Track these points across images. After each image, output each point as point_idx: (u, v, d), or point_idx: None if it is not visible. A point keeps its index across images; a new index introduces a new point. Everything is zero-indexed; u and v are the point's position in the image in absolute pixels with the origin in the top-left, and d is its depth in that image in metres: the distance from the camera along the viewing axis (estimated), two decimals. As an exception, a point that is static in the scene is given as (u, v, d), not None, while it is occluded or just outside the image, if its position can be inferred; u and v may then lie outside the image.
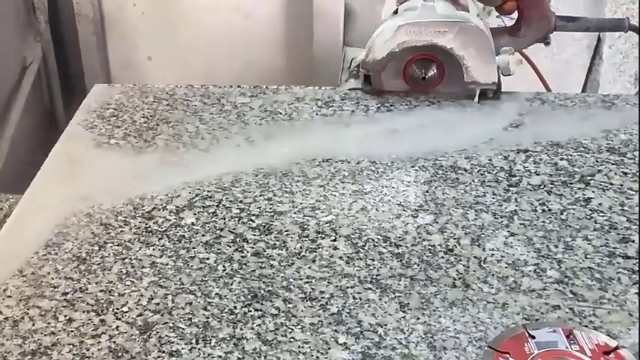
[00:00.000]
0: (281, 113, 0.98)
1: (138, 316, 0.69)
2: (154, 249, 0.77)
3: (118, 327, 0.67)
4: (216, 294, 0.71)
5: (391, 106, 0.98)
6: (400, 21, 0.95)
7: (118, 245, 0.78)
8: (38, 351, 0.65)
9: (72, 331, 0.67)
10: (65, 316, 0.69)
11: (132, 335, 0.67)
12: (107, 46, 2.21)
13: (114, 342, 0.66)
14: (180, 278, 0.73)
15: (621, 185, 0.83)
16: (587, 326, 0.66)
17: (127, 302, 0.70)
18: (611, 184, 0.83)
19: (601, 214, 0.79)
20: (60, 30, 2.19)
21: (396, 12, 1.01)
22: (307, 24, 2.02)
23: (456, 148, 0.90)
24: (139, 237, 0.79)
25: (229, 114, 0.98)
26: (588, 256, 0.74)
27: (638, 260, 0.73)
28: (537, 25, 1.05)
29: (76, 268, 0.74)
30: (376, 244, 0.77)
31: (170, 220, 0.81)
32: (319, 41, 2.02)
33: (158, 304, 0.70)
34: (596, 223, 0.78)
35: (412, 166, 0.88)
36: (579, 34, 1.82)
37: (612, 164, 0.86)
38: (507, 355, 0.63)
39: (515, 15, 1.06)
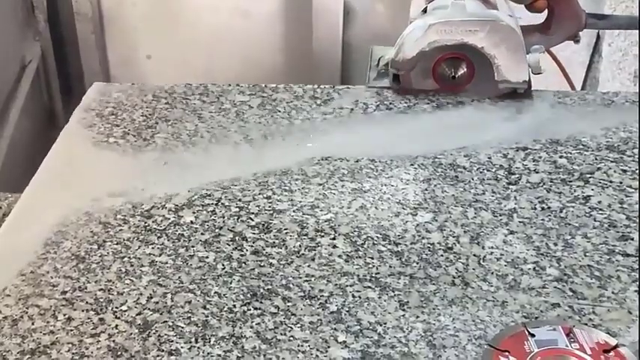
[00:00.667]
0: (280, 111, 0.98)
1: (137, 314, 0.69)
2: (153, 247, 0.77)
3: (117, 326, 0.67)
4: (216, 292, 0.71)
5: (390, 104, 0.98)
6: (431, 20, 0.95)
7: (117, 244, 0.77)
8: (37, 350, 0.65)
9: (71, 330, 0.67)
10: (64, 315, 0.69)
11: (131, 334, 0.67)
12: (106, 45, 2.21)
13: (113, 341, 0.66)
14: (179, 277, 0.73)
15: (620, 183, 0.83)
16: (586, 324, 0.66)
17: (127, 301, 0.70)
18: (611, 181, 0.83)
19: (600, 212, 0.79)
20: (59, 29, 2.19)
21: (425, 10, 1.00)
22: (306, 23, 2.02)
23: (456, 146, 0.90)
24: (138, 236, 0.78)
25: (228, 112, 0.98)
26: (588, 253, 0.74)
27: (637, 258, 0.73)
28: (568, 22, 1.04)
29: (75, 267, 0.74)
30: (375, 242, 0.77)
31: (169, 219, 0.81)
32: (319, 40, 2.02)
33: (157, 302, 0.70)
34: (595, 220, 0.78)
35: (411, 164, 0.87)
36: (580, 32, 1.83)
37: (611, 162, 0.86)
38: (507, 354, 0.63)
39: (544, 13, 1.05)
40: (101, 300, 0.70)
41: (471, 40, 0.94)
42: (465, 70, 0.97)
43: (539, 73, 0.97)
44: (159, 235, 0.79)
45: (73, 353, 0.65)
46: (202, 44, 2.13)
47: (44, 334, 0.67)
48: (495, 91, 0.96)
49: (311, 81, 1.87)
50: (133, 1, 2.13)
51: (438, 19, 0.95)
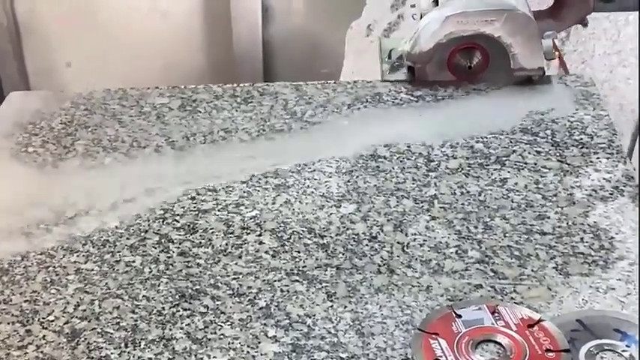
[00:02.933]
0: (201, 112, 0.98)
1: (65, 324, 0.68)
2: (78, 255, 0.76)
3: (44, 336, 0.67)
4: (144, 296, 0.71)
5: (310, 99, 0.99)
6: (447, 11, 0.95)
7: (41, 254, 0.77)
8: (-37, 366, 0.64)
9: (-3, 344, 0.66)
10: (-10, 328, 0.68)
11: (59, 344, 0.66)
12: (24, 54, 2.16)
13: (41, 352, 0.65)
14: (106, 283, 0.73)
15: (535, 164, 0.85)
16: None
17: (53, 311, 0.70)
18: (526, 163, 0.86)
19: (517, 193, 0.81)
20: (-27, 40, 2.13)
21: (436, 1, 1.00)
22: (226, 22, 2.02)
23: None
24: (62, 244, 0.78)
25: (149, 115, 0.97)
26: (507, 234, 0.76)
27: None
28: (577, 7, 1.04)
29: (-1, 280, 0.73)
30: (301, 236, 0.78)
31: (93, 225, 0.80)
32: (239, 39, 2.01)
33: (85, 310, 0.70)
34: (512, 202, 0.80)
35: (332, 157, 0.88)
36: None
37: (526, 144, 0.89)
38: (436, 336, 0.64)
39: None
40: (27, 311, 0.70)
41: (487, 30, 0.95)
42: (480, 59, 0.97)
43: (552, 59, 0.99)
44: (83, 242, 0.78)
45: (0, 367, 0.64)
46: (122, 48, 2.10)
47: (-30, 349, 0.66)
48: (511, 78, 0.97)
49: (233, 81, 1.87)
50: (50, 9, 2.09)
51: (455, 11, 0.95)
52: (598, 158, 0.85)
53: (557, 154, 0.86)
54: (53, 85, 2.18)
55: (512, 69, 0.97)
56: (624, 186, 0.81)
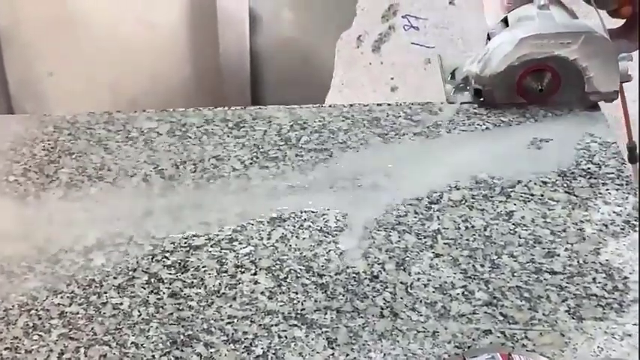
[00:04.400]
0: (191, 137, 0.93)
1: (48, 375, 0.64)
2: (62, 297, 0.72)
3: (26, 389, 0.63)
4: (133, 343, 0.67)
5: (305, 123, 0.95)
6: (520, 33, 0.91)
7: (22, 295, 0.72)
8: None
9: (-25, 399, 0.62)
10: (-33, 381, 0.63)
11: (42, 398, 0.62)
12: (4, 65, 2.11)
13: (23, 407, 0.61)
14: (92, 328, 0.69)
15: (542, 196, 0.82)
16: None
17: (36, 359, 0.65)
18: (532, 195, 0.82)
19: (524, 228, 0.78)
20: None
21: (505, 21, 0.96)
22: (212, 32, 1.98)
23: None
24: (45, 284, 0.73)
25: (136, 141, 0.93)
26: (515, 274, 0.73)
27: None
28: None
29: (-22, 326, 0.69)
30: (299, 275, 0.74)
31: (78, 263, 0.76)
32: (226, 50, 1.97)
33: (69, 359, 0.65)
34: (520, 238, 0.77)
35: (330, 187, 0.85)
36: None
37: (531, 174, 0.85)
38: (444, 387, 0.61)
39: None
40: (8, 361, 0.65)
41: (563, 53, 0.91)
42: (551, 81, 0.93)
43: (627, 81, 0.95)
44: (68, 282, 0.74)
45: None
46: (107, 59, 2.06)
47: (-54, 405, 0.61)
48: (584, 102, 0.93)
49: (220, 92, 1.82)
50: (31, 18, 2.05)
51: (528, 33, 0.90)
52: (607, 190, 0.81)
53: (565, 185, 0.82)
54: (34, 95, 2.14)
55: (586, 92, 0.93)
56: (636, 220, 0.77)
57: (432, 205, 0.81)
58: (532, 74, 0.93)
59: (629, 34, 0.98)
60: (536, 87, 0.94)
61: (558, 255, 0.74)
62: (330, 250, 0.76)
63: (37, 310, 0.71)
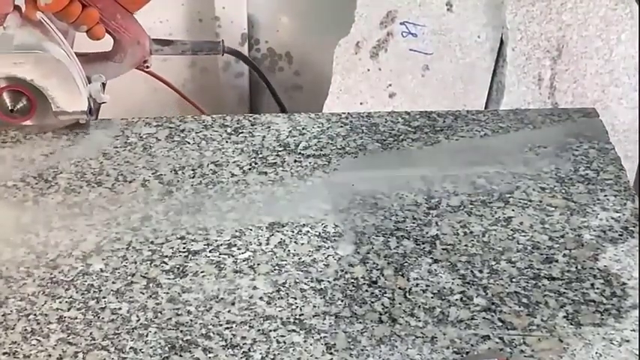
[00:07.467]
0: (189, 143, 0.93)
1: (46, 380, 0.64)
2: (60, 301, 0.72)
3: (25, 394, 0.63)
4: (131, 348, 0.67)
5: (303, 129, 0.95)
6: None
7: (20, 300, 0.72)
8: None
9: (-26, 404, 0.62)
10: (-35, 386, 0.63)
11: (41, 403, 0.62)
12: None
13: (21, 412, 0.61)
14: (90, 333, 0.69)
15: (540, 202, 0.82)
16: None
17: (34, 364, 0.65)
18: (530, 200, 0.82)
19: (523, 234, 0.78)
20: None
21: None
22: (211, 39, 1.98)
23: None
24: (44, 289, 0.73)
25: (135, 147, 0.93)
26: (514, 279, 0.73)
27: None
28: (131, 49, 1.04)
29: (-24, 330, 0.69)
30: (297, 280, 0.74)
31: (77, 268, 0.76)
32: (224, 57, 1.98)
33: (68, 364, 0.66)
34: (518, 243, 0.77)
35: (328, 192, 0.85)
36: (482, 37, 1.84)
37: (529, 179, 0.85)
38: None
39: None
40: (6, 366, 0.65)
41: (19, 73, 0.92)
42: (26, 102, 0.95)
43: (103, 102, 0.97)
44: (66, 286, 0.74)
45: None
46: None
47: (-56, 410, 0.61)
48: (58, 122, 0.95)
49: (219, 100, 1.82)
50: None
51: None
52: (605, 196, 0.82)
53: (563, 191, 0.83)
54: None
55: (54, 112, 0.94)
56: (634, 226, 0.78)
57: (431, 211, 0.81)
58: (8, 93, 0.94)
59: (110, 56, 1.03)
60: (7, 107, 0.94)
61: (557, 261, 0.74)
62: (328, 256, 0.76)
63: (35, 314, 0.71)
